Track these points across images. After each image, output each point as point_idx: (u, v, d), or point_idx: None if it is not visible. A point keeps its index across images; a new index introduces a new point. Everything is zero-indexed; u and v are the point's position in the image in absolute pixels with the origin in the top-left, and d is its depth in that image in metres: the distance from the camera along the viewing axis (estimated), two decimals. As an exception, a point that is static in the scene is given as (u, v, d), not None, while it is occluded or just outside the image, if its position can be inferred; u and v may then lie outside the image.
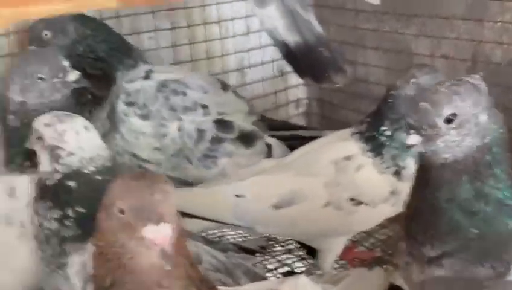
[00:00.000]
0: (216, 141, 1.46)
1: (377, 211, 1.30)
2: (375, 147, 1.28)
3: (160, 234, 0.74)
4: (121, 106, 1.43)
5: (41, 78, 1.17)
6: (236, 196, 1.32)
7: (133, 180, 0.78)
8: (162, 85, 1.45)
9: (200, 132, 1.45)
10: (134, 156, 1.42)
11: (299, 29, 1.30)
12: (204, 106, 1.46)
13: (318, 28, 1.33)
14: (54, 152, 1.00)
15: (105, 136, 1.36)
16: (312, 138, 1.53)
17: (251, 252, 1.19)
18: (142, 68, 1.48)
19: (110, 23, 1.67)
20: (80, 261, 0.97)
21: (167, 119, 1.43)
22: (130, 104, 1.43)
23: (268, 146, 1.53)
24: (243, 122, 1.50)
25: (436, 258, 0.89)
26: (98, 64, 1.43)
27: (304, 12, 1.31)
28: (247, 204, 1.32)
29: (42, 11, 0.48)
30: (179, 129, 1.43)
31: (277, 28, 1.30)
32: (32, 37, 1.44)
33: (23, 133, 1.08)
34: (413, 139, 1.25)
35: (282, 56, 1.36)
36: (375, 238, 1.62)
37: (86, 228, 0.98)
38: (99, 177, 1.01)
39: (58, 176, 1.00)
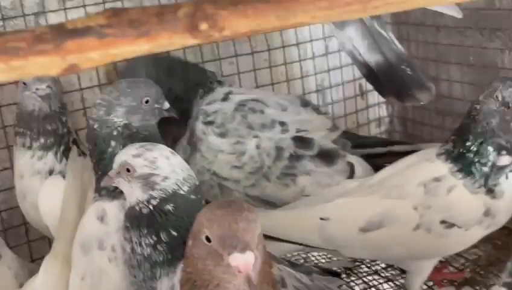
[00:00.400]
0: (295, 158, 1.45)
1: (470, 234, 1.26)
2: (464, 166, 1.24)
3: (245, 262, 0.76)
4: (199, 126, 1.45)
5: (147, 102, 1.21)
6: (321, 218, 1.32)
7: (219, 209, 0.81)
8: (240, 104, 1.46)
9: (279, 150, 1.44)
10: (214, 174, 1.44)
11: (380, 48, 1.29)
12: (283, 123, 1.46)
13: (399, 46, 1.31)
14: (148, 180, 1.02)
15: (187, 161, 1.40)
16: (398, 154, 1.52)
17: (336, 274, 1.18)
18: (221, 91, 1.50)
19: (192, 50, 1.73)
20: (168, 285, 1.00)
21: (244, 136, 1.44)
22: (208, 123, 1.45)
23: (351, 165, 1.50)
24: (324, 140, 1.49)
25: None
26: (176, 104, 1.41)
27: (384, 31, 1.30)
28: (332, 227, 1.31)
29: (126, 52, 0.51)
30: (257, 147, 1.44)
31: (358, 49, 1.30)
32: None
33: None
34: (505, 159, 1.22)
35: (363, 76, 1.35)
36: (465, 259, 1.57)
37: (176, 252, 1.00)
38: (193, 197, 1.03)
39: (155, 202, 1.02)
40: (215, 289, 0.80)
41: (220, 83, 1.55)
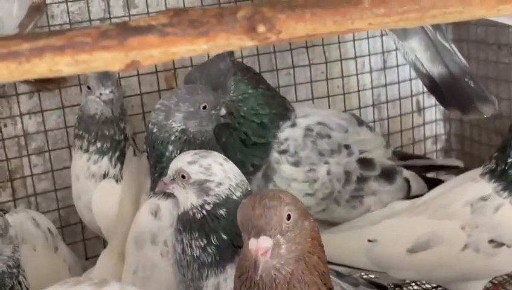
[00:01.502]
0: (362, 180, 1.46)
1: None
2: (508, 183, 1.23)
3: (256, 246, 0.80)
4: (274, 155, 1.43)
5: (204, 108, 1.24)
6: (369, 240, 1.32)
7: (249, 198, 0.86)
8: (308, 129, 1.44)
9: (347, 174, 1.45)
10: None
11: (443, 60, 1.29)
12: (348, 146, 1.46)
13: (461, 59, 1.31)
14: (203, 186, 1.04)
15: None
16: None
17: (383, 288, 1.17)
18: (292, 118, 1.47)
19: (250, 60, 1.75)
20: (214, 283, 1.02)
21: (316, 164, 1.42)
22: (282, 152, 1.42)
23: (407, 181, 1.52)
24: (382, 158, 1.50)
25: None
26: (261, 131, 1.42)
27: (447, 43, 1.30)
28: (380, 249, 1.31)
29: (185, 51, 0.53)
30: (328, 173, 1.43)
31: (420, 60, 1.30)
32: None
33: None
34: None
35: (426, 87, 1.35)
36: (519, 282, 1.54)
37: (225, 254, 1.03)
38: None
39: (208, 207, 1.04)
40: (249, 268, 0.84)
41: (293, 111, 1.50)
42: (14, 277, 1.01)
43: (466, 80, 1.29)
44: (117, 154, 1.41)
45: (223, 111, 1.28)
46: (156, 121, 1.23)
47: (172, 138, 1.22)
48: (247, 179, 1.11)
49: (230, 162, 1.09)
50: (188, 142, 1.22)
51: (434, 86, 1.31)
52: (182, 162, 1.07)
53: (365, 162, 1.47)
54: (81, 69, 0.50)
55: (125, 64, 0.51)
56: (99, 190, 1.40)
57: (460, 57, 1.31)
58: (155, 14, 0.56)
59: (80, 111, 1.43)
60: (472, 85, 1.29)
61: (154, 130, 1.23)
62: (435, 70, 1.29)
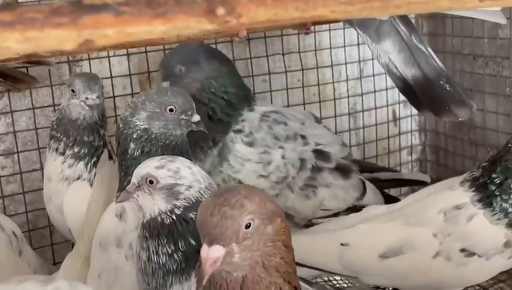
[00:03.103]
0: (316, 170, 1.49)
1: (490, 263, 1.23)
2: (485, 197, 1.22)
3: (206, 255, 0.79)
4: (230, 134, 1.47)
5: (171, 110, 1.21)
6: (342, 244, 1.31)
7: (211, 198, 0.84)
8: (264, 115, 1.49)
9: (302, 161, 1.48)
10: (240, 183, 1.45)
11: (417, 62, 1.28)
12: (304, 137, 1.50)
13: (438, 62, 1.30)
14: (172, 190, 1.02)
15: (211, 172, 1.42)
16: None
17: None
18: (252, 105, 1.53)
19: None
20: None
21: (271, 146, 1.46)
22: (237, 131, 1.47)
23: (362, 181, 1.56)
24: (339, 154, 1.54)
25: None
26: (227, 109, 1.47)
27: (422, 46, 1.29)
28: (352, 253, 1.30)
29: (142, 32, 0.51)
30: (283, 157, 1.47)
31: (394, 62, 1.29)
32: (166, 72, 1.48)
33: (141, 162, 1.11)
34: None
35: (398, 90, 1.34)
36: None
37: (191, 261, 1.00)
38: None
39: (178, 211, 1.02)
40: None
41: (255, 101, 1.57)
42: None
43: (441, 82, 1.28)
44: (93, 160, 1.38)
45: (196, 117, 1.25)
46: (123, 116, 1.22)
47: (135, 135, 1.20)
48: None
49: (197, 166, 1.07)
50: (150, 143, 1.19)
51: (407, 89, 1.30)
52: (149, 167, 1.04)
53: (321, 154, 1.51)
54: (31, 47, 0.48)
55: (78, 43, 0.50)
56: (72, 192, 1.36)
57: (437, 60, 1.30)
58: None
59: (60, 113, 1.39)
60: (448, 88, 1.29)
61: (121, 125, 1.21)
62: (409, 72, 1.28)
